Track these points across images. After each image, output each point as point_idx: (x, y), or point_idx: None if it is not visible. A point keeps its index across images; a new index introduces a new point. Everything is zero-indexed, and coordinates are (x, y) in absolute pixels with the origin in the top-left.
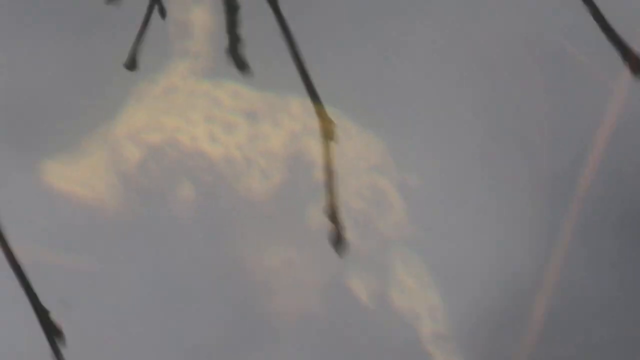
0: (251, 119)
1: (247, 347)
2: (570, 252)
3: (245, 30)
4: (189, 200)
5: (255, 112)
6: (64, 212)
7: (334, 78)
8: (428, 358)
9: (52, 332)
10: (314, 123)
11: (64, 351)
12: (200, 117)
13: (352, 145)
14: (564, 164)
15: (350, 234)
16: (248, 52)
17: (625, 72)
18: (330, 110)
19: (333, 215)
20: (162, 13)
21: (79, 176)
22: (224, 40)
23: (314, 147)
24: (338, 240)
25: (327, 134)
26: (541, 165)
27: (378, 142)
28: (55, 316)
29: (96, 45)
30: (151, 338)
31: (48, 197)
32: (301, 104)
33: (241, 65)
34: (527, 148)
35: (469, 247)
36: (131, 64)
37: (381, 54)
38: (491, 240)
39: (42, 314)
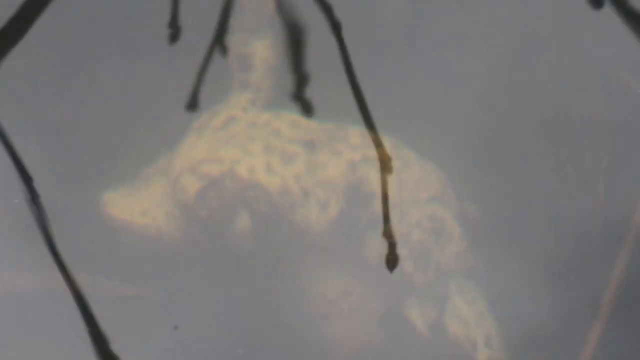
0: (310, 149)
1: None
2: (625, 282)
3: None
4: (247, 231)
5: (314, 142)
6: (125, 242)
7: (394, 108)
8: None
9: None
10: (373, 153)
11: None
12: (259, 148)
13: (411, 175)
14: (622, 196)
15: (409, 264)
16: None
17: None
18: (390, 140)
19: (388, 236)
20: (224, 51)
21: (140, 207)
22: (283, 72)
23: (373, 177)
24: (390, 258)
25: (384, 165)
26: (599, 196)
27: (438, 173)
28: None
29: (157, 77)
30: None
31: (109, 227)
32: (360, 134)
33: (306, 107)
34: (586, 179)
35: (526, 278)
36: (192, 105)
37: (441, 84)
38: (547, 270)
39: (101, 343)
